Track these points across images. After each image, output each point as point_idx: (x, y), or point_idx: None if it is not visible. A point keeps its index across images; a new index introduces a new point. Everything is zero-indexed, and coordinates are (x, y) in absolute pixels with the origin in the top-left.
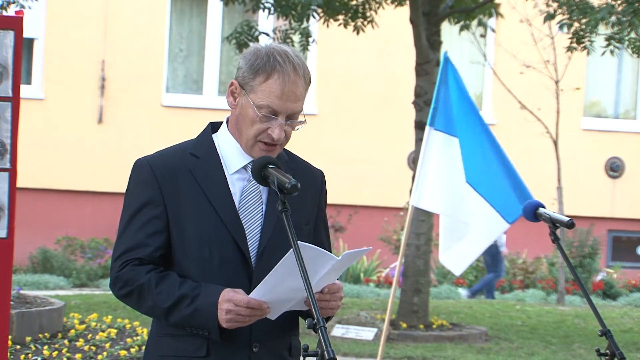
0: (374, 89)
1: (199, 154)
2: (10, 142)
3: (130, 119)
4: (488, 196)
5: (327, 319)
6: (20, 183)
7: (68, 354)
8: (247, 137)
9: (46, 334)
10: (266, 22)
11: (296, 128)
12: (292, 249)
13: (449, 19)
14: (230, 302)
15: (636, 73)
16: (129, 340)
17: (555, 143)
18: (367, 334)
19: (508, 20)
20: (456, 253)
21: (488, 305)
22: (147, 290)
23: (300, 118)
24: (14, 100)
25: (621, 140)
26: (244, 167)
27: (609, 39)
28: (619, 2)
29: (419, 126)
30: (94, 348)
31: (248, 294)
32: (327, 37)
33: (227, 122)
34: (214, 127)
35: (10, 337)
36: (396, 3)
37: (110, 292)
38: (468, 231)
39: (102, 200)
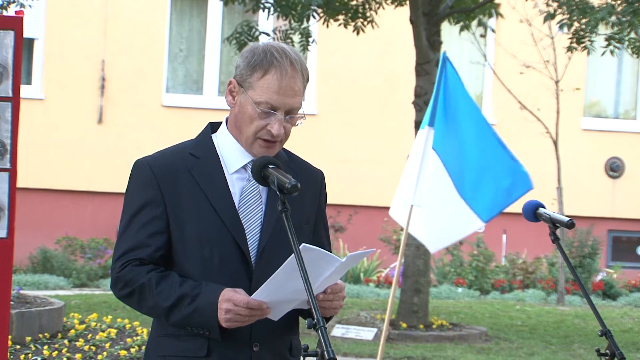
0: (374, 89)
1: (198, 154)
2: (10, 142)
3: (130, 119)
4: (465, 193)
5: (329, 318)
6: (20, 183)
7: (68, 354)
8: (247, 135)
9: (46, 334)
10: (266, 22)
11: (296, 123)
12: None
13: (449, 19)
14: (229, 301)
15: (636, 73)
16: (129, 340)
17: (555, 143)
18: (367, 334)
19: (508, 20)
20: (429, 229)
21: (488, 305)
22: (147, 290)
23: (300, 113)
24: (14, 100)
25: (621, 140)
26: (244, 167)
27: (609, 39)
28: (619, 2)
29: (419, 126)
30: (94, 348)
31: (248, 293)
32: (327, 37)
33: (226, 122)
34: (213, 127)
35: (10, 337)
36: (396, 3)
37: (111, 292)
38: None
39: (102, 200)
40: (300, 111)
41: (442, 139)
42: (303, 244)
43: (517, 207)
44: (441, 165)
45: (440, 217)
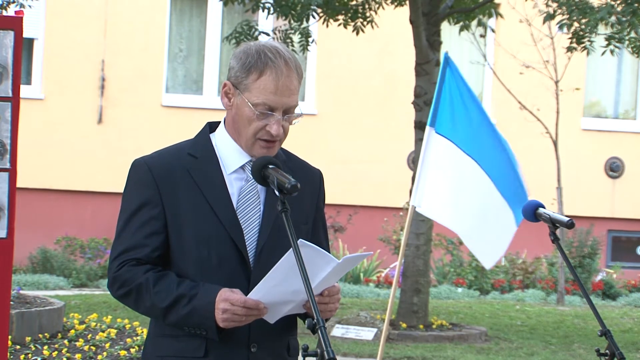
0: (374, 89)
1: (196, 154)
2: (10, 142)
3: (130, 119)
4: (500, 186)
5: (325, 320)
6: (20, 183)
7: (68, 354)
8: (246, 137)
9: (46, 334)
10: (266, 22)
11: (294, 122)
12: (291, 249)
13: (449, 19)
14: (226, 301)
15: (636, 73)
16: (128, 340)
17: (555, 143)
18: (367, 334)
19: (508, 21)
20: (485, 245)
21: (488, 306)
22: (145, 290)
23: (297, 111)
24: (14, 100)
25: (621, 140)
26: (242, 167)
27: (609, 39)
28: (618, 2)
29: (419, 126)
30: (94, 348)
31: (246, 294)
32: (327, 37)
33: (224, 122)
34: (212, 127)
35: (10, 337)
36: (396, 3)
37: None
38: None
39: (102, 200)
40: (297, 109)
41: (451, 129)
42: (300, 240)
43: None
44: (461, 153)
45: (488, 222)
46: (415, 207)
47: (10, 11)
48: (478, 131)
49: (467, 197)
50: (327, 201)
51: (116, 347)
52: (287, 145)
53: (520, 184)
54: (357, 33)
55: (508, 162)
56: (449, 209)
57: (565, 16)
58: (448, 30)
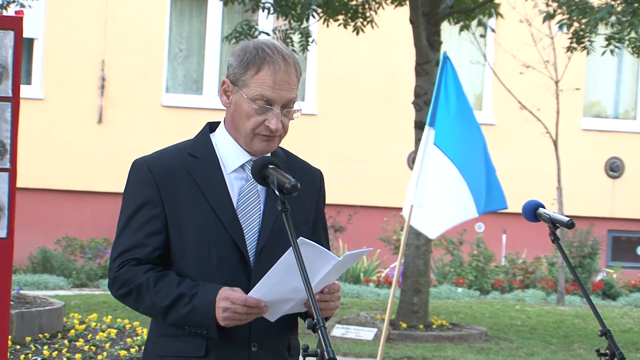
0: (374, 89)
1: (197, 154)
2: (10, 142)
3: (130, 119)
4: (468, 179)
5: (326, 319)
6: (20, 183)
7: (68, 354)
8: (245, 133)
9: (46, 334)
10: (266, 22)
11: (293, 117)
12: (291, 247)
13: (449, 19)
14: (227, 300)
15: (636, 73)
16: (129, 340)
17: (555, 143)
18: (367, 334)
19: (508, 20)
20: (428, 217)
21: (488, 305)
22: (145, 290)
23: (296, 107)
24: (14, 100)
25: (621, 140)
26: (242, 167)
27: (609, 38)
28: (618, 2)
29: (419, 126)
30: (94, 348)
31: (246, 293)
32: (327, 37)
33: (224, 121)
34: (212, 127)
35: (10, 337)
36: (396, 3)
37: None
38: (440, 201)
39: (102, 200)
40: (295, 105)
41: (444, 135)
42: (300, 238)
43: (517, 207)
44: (445, 158)
45: (443, 202)
46: (413, 207)
47: (10, 11)
48: (465, 133)
49: (443, 200)
50: (327, 201)
51: (116, 347)
52: (287, 145)
53: (498, 187)
54: (357, 33)
55: (485, 167)
56: (432, 220)
57: (565, 16)
58: (448, 30)
